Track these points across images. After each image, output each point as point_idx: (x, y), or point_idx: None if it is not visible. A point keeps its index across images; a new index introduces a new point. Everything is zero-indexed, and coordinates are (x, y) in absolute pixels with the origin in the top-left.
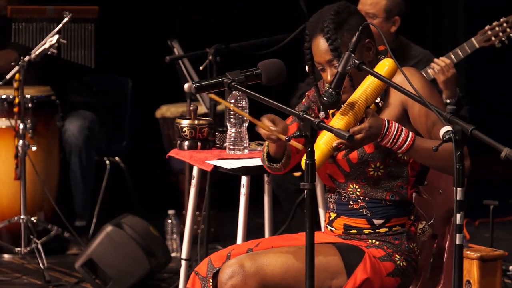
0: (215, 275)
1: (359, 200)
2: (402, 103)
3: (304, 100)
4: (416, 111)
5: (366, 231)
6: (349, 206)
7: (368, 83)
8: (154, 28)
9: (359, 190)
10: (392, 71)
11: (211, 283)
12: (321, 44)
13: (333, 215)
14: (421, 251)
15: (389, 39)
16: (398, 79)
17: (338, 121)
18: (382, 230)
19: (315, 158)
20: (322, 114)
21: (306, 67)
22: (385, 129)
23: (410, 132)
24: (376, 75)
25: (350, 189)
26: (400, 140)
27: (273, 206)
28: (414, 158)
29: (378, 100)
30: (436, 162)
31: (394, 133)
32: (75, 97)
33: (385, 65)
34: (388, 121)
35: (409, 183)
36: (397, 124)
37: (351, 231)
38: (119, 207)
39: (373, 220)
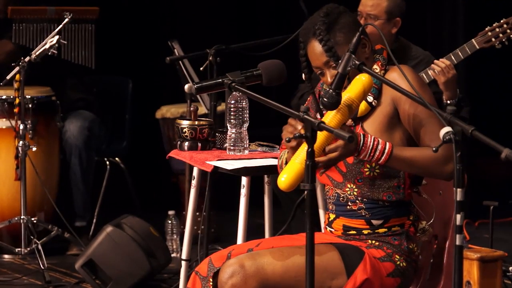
0: (215, 275)
1: (357, 201)
2: (392, 101)
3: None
4: (405, 110)
5: (365, 232)
6: (348, 207)
7: (352, 87)
8: (155, 29)
9: (356, 190)
10: (368, 85)
11: (211, 283)
12: (315, 48)
13: (332, 216)
14: (421, 252)
15: (389, 40)
16: (391, 76)
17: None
18: (381, 230)
19: (290, 177)
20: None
21: (303, 75)
22: (361, 144)
23: (387, 144)
24: (375, 76)
25: (347, 189)
26: (377, 153)
27: (273, 206)
28: (394, 168)
29: (371, 99)
30: (417, 170)
31: (370, 147)
32: (73, 94)
33: (361, 80)
34: (364, 136)
35: (406, 184)
36: (372, 137)
37: (350, 232)
38: (119, 207)
39: (372, 221)
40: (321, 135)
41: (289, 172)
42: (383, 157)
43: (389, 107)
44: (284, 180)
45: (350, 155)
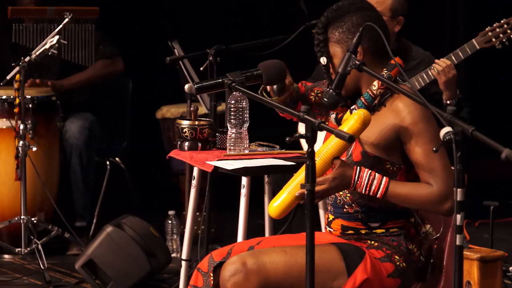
0: (216, 269)
1: (353, 205)
2: (396, 130)
3: None
4: (409, 143)
5: (363, 231)
6: (344, 209)
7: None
8: (155, 29)
9: (348, 195)
10: (365, 120)
11: (212, 278)
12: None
13: (331, 216)
14: (423, 253)
15: (392, 38)
16: (396, 104)
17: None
18: (378, 231)
19: (281, 206)
20: (333, 117)
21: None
22: (356, 179)
23: (384, 179)
24: (377, 77)
25: (341, 192)
26: (373, 187)
27: None
28: (392, 202)
29: (370, 95)
30: (414, 206)
31: (366, 182)
32: (75, 97)
33: (360, 115)
34: (360, 170)
35: None
36: (369, 172)
37: (348, 232)
38: (120, 207)
39: (369, 223)
40: (322, 161)
41: (280, 201)
42: (379, 192)
43: (389, 131)
44: (275, 207)
45: (344, 188)
